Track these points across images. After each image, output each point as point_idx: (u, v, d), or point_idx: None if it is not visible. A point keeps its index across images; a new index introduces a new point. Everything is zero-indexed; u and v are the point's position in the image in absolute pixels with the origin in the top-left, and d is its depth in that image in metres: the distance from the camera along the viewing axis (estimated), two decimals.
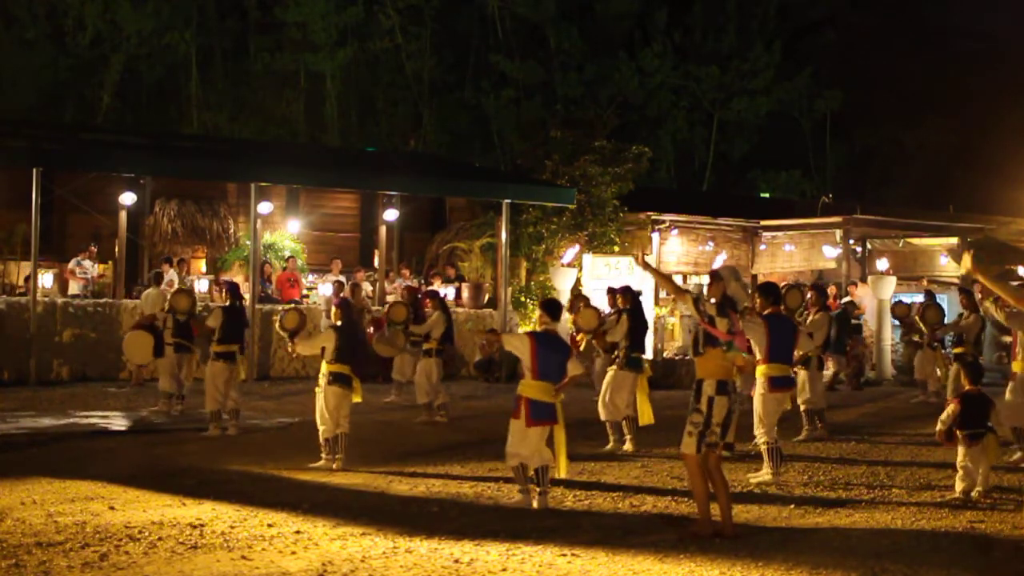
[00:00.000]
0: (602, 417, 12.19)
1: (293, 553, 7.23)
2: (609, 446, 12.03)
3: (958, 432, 9.43)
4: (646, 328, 12.94)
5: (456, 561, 7.07)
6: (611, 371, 12.27)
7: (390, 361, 16.42)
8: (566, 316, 13.63)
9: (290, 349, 11.45)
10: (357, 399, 10.83)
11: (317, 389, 10.76)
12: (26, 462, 10.59)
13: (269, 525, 7.98)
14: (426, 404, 14.27)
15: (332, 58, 34.90)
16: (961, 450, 9.47)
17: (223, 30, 35.91)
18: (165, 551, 7.19)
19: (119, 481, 9.50)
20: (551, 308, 9.20)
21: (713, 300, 7.97)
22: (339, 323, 10.89)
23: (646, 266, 8.90)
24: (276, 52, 35.36)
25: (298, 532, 7.79)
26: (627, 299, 12.63)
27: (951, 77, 41.63)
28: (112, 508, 8.45)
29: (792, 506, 9.06)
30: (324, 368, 10.75)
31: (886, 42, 42.27)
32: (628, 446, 11.99)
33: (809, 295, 14.06)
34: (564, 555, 7.26)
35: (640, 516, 8.64)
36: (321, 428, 10.66)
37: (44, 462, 10.56)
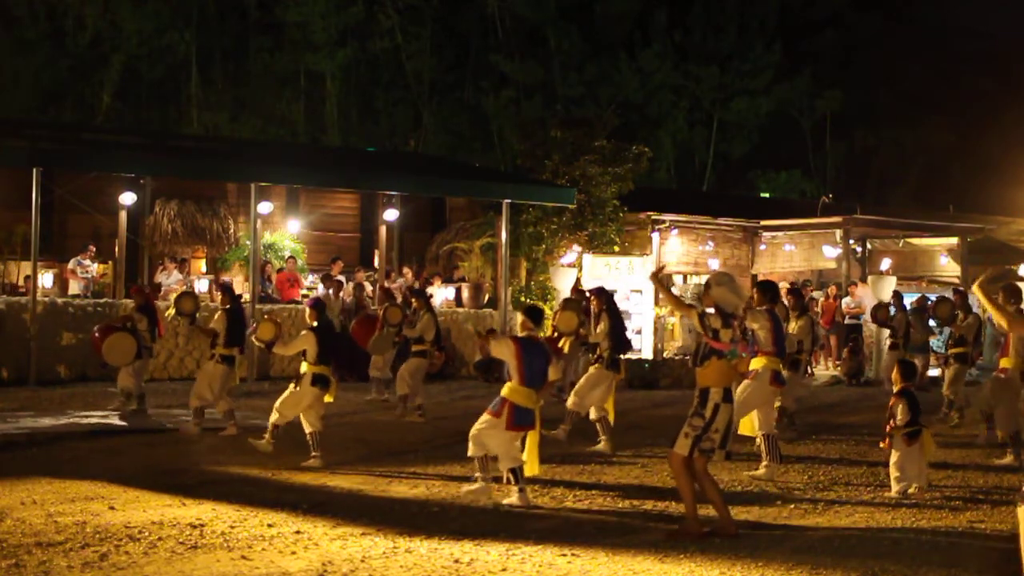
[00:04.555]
0: (592, 417, 12.14)
1: (293, 553, 7.23)
2: (601, 445, 11.99)
3: (897, 431, 9.45)
4: (624, 328, 12.93)
5: (456, 561, 7.07)
6: (594, 368, 12.23)
7: (367, 359, 16.50)
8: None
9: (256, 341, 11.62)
10: (329, 399, 10.98)
11: (296, 388, 10.84)
12: (26, 462, 10.59)
13: (269, 525, 7.98)
14: (403, 396, 14.33)
15: (332, 58, 34.94)
16: (899, 449, 9.48)
17: (223, 30, 35.95)
18: (165, 551, 7.19)
19: (119, 481, 9.50)
20: (533, 314, 9.29)
21: (713, 311, 7.98)
22: (315, 324, 10.97)
23: (657, 282, 8.85)
24: (276, 52, 35.40)
25: (298, 532, 7.79)
26: (601, 300, 12.62)
27: (951, 77, 41.67)
28: (112, 508, 8.45)
29: (792, 506, 9.06)
30: (305, 368, 10.85)
31: (886, 42, 42.32)
32: (604, 446, 11.94)
33: (787, 299, 13.83)
34: (564, 555, 7.26)
35: (640, 516, 8.64)
36: (305, 425, 10.81)
37: (44, 462, 10.56)
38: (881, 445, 9.84)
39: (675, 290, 23.87)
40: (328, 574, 6.76)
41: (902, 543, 7.77)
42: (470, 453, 9.12)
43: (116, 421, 13.48)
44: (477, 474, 9.08)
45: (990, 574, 7.10)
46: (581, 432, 12.39)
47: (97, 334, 14.22)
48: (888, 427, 9.53)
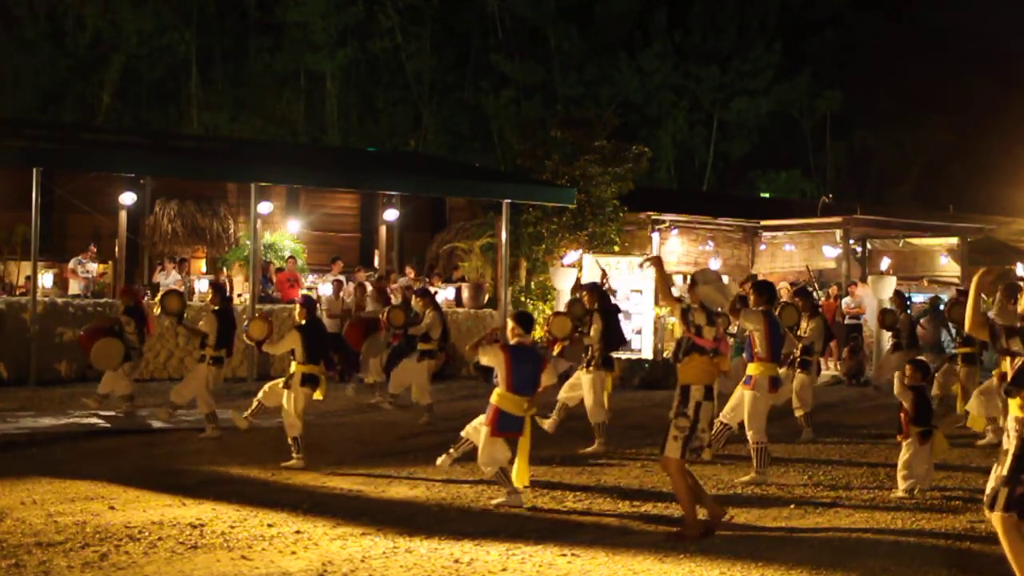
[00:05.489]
0: (594, 420, 12.13)
1: (293, 553, 7.23)
2: (594, 446, 11.99)
3: (910, 429, 9.46)
4: (618, 324, 12.88)
5: (456, 561, 7.07)
6: (589, 373, 12.19)
7: (357, 360, 16.49)
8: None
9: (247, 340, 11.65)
10: (318, 396, 10.98)
11: (286, 390, 10.86)
12: (26, 462, 10.59)
13: (269, 525, 7.98)
14: (428, 406, 14.22)
15: (332, 58, 34.95)
16: (910, 448, 9.48)
17: (223, 30, 35.97)
18: (165, 551, 7.19)
19: (119, 481, 9.50)
20: (523, 321, 9.27)
21: (698, 306, 7.99)
22: (303, 323, 10.96)
23: (656, 263, 8.82)
24: (276, 52, 35.42)
25: (298, 532, 7.79)
26: (594, 297, 12.54)
27: (951, 77, 41.66)
28: (112, 508, 8.45)
29: (792, 506, 9.06)
30: (294, 368, 10.85)
31: (886, 42, 42.32)
32: (598, 447, 11.95)
33: (796, 301, 13.76)
34: (564, 555, 7.26)
35: (640, 516, 8.64)
36: (289, 428, 10.77)
37: (44, 462, 10.56)
38: (899, 438, 9.81)
39: (675, 291, 23.92)
40: (328, 574, 6.76)
41: (902, 543, 7.77)
42: (487, 476, 9.03)
43: (108, 423, 13.45)
44: (503, 489, 8.96)
45: (990, 574, 7.10)
46: (581, 434, 12.39)
47: (83, 334, 14.19)
48: (902, 417, 9.53)
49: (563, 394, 12.48)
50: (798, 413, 13.05)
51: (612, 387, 12.41)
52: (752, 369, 10.38)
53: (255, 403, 11.58)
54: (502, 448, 8.89)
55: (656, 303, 20.69)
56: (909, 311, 17.52)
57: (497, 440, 8.86)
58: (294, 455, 10.65)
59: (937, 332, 18.18)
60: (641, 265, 8.80)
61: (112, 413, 13.95)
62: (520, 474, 8.95)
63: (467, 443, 9.36)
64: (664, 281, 8.65)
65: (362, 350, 15.74)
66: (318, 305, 14.96)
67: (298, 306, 11.28)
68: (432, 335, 14.37)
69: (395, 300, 17.75)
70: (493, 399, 8.95)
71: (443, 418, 14.37)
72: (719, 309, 8.22)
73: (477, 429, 9.16)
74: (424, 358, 14.33)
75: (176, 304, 13.16)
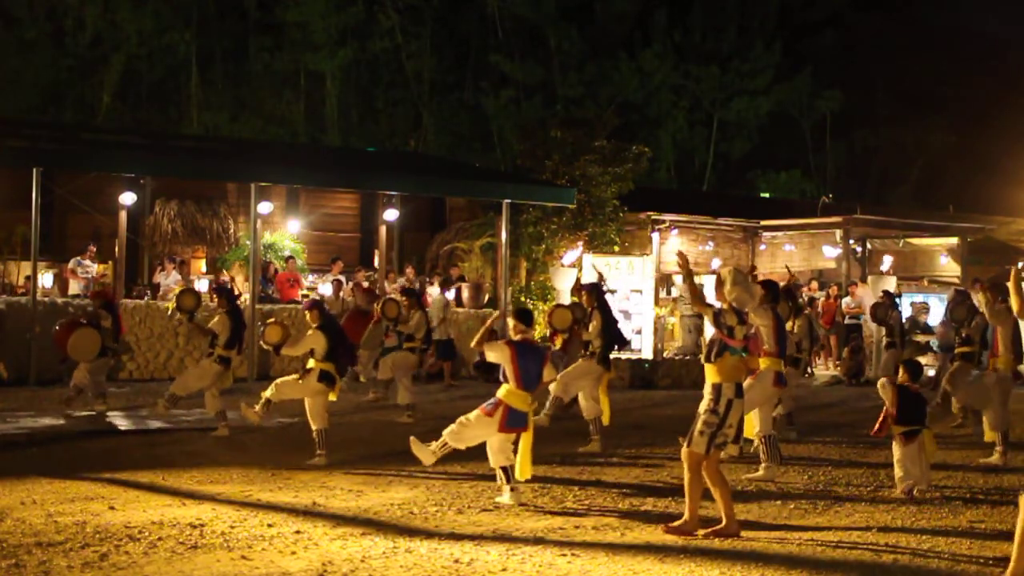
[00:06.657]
0: (589, 416, 12.10)
1: (293, 553, 7.23)
2: (591, 444, 11.97)
3: (895, 430, 9.46)
4: (615, 324, 12.92)
5: (456, 561, 7.07)
6: (583, 360, 12.24)
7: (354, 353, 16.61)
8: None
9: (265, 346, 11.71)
10: (332, 398, 11.10)
11: (300, 380, 10.99)
12: (26, 462, 10.59)
13: (269, 525, 7.98)
14: (386, 381, 14.49)
15: (332, 58, 34.96)
16: (897, 448, 9.49)
17: (223, 30, 35.98)
18: (165, 551, 7.19)
19: (119, 481, 9.50)
20: (523, 316, 9.37)
21: (728, 307, 8.02)
22: (321, 323, 11.07)
23: (685, 267, 8.84)
24: (276, 52, 35.42)
25: (298, 532, 7.79)
26: (593, 297, 12.58)
27: (951, 77, 41.66)
28: (112, 508, 8.45)
29: (792, 506, 9.06)
30: (312, 364, 10.99)
31: (886, 42, 42.34)
32: (595, 446, 11.94)
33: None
34: (564, 555, 7.26)
35: (640, 516, 8.64)
36: (319, 421, 10.91)
37: (44, 462, 10.56)
38: (871, 432, 9.82)
39: (675, 291, 23.94)
40: (328, 574, 6.76)
41: (902, 543, 7.77)
42: (444, 432, 9.14)
43: (58, 420, 13.45)
44: (433, 444, 9.12)
45: (990, 574, 7.10)
46: (580, 434, 12.39)
47: (58, 328, 14.23)
48: (882, 416, 9.52)
49: (555, 388, 12.36)
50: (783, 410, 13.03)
51: (608, 387, 12.38)
52: (759, 363, 10.42)
53: (264, 399, 11.29)
54: (505, 441, 9.00)
55: (656, 303, 20.71)
56: (899, 309, 17.56)
57: (501, 436, 8.98)
58: (318, 451, 10.78)
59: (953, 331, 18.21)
60: (686, 276, 8.75)
61: (88, 413, 14.02)
62: (523, 468, 9.02)
63: (448, 448, 9.34)
64: (695, 290, 8.68)
65: (360, 342, 15.86)
66: None
67: (307, 311, 11.35)
68: (416, 335, 14.59)
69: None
70: (502, 394, 9.01)
71: (443, 418, 14.33)
72: (747, 308, 8.24)
73: (469, 427, 9.15)
74: (405, 352, 14.61)
75: (191, 302, 13.31)
